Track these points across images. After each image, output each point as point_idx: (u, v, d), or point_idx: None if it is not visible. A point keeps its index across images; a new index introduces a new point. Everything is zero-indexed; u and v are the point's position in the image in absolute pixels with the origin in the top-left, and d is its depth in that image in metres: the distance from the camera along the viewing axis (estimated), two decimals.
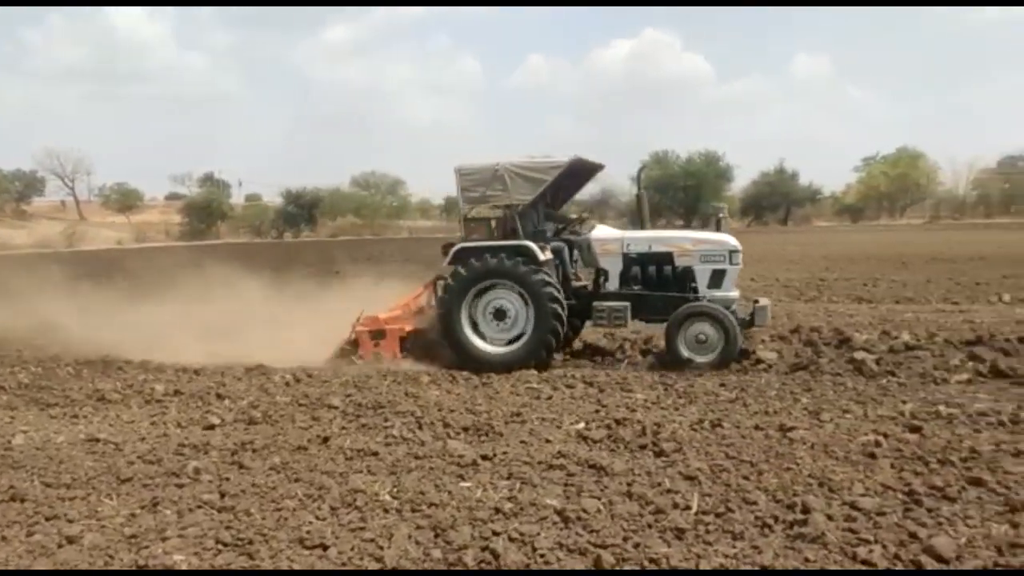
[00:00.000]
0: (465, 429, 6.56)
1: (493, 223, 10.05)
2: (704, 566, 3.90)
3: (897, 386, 7.84)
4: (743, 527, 4.35)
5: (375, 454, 5.91)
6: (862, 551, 3.98)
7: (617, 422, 6.56)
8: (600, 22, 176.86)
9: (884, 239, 42.37)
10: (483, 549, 4.17)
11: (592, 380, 8.34)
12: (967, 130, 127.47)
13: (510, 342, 9.42)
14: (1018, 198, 79.17)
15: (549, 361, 9.45)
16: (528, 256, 9.28)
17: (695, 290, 9.47)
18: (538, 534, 4.33)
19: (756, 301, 9.80)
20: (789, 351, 9.68)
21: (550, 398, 7.63)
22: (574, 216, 11.08)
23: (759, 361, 9.16)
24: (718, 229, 9.92)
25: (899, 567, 3.86)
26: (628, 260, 9.73)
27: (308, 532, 4.45)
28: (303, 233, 77.33)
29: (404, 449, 6.04)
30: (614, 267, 9.76)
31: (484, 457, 5.73)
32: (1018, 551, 3.99)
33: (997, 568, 3.83)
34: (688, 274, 9.56)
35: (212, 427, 6.89)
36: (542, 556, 4.08)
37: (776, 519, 4.45)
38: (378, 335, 9.58)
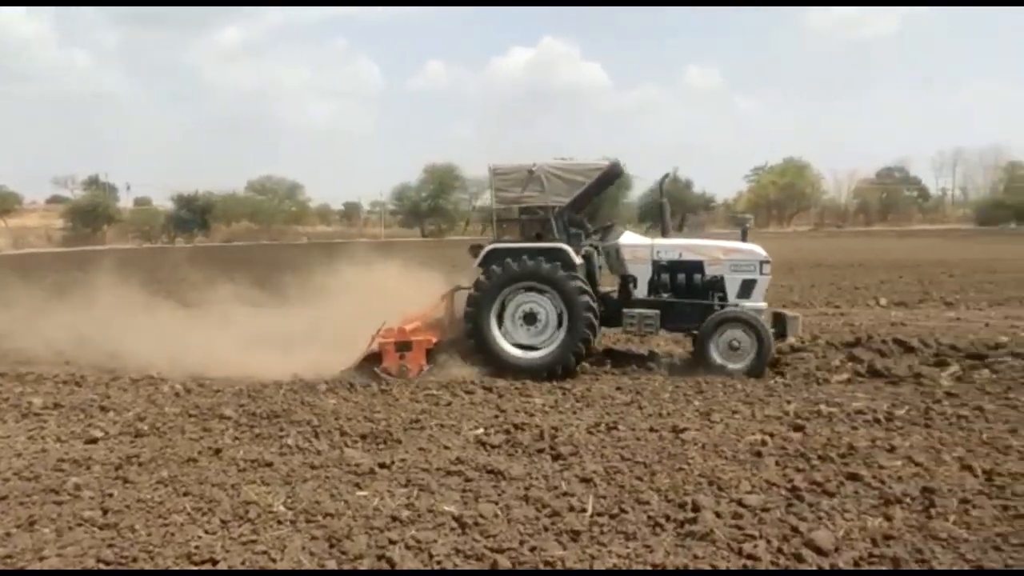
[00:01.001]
0: (363, 437, 6.48)
1: (519, 225, 9.91)
2: (598, 567, 3.97)
3: (783, 387, 8.19)
4: (636, 527, 4.45)
5: (269, 464, 5.77)
6: (747, 546, 4.14)
7: (516, 427, 6.61)
8: (499, 30, 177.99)
9: (773, 246, 43.87)
10: (379, 558, 4.13)
11: (492, 386, 8.38)
12: (848, 142, 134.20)
13: (539, 347, 9.16)
14: (894, 207, 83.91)
15: (575, 367, 9.16)
16: (563, 260, 9.09)
17: (724, 299, 9.36)
18: (435, 541, 4.32)
19: (784, 313, 9.65)
20: (683, 353, 9.96)
21: (449, 404, 7.62)
22: (606, 222, 11.00)
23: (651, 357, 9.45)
24: (744, 239, 9.85)
25: (781, 561, 4.02)
26: (657, 267, 9.56)
27: (196, 547, 4.30)
28: (196, 238, 74.82)
29: (300, 459, 5.92)
30: (643, 274, 9.58)
31: (382, 465, 5.67)
32: (891, 542, 4.22)
33: (873, 557, 4.05)
34: (718, 283, 9.44)
35: (95, 441, 6.58)
36: (439, 563, 4.07)
37: (668, 518, 4.58)
38: (404, 347, 9.08)
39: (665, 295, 9.49)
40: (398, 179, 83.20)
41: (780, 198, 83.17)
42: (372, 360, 9.10)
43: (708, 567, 3.93)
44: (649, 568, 3.96)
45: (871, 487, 5.04)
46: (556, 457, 5.81)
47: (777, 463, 5.58)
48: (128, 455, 6.10)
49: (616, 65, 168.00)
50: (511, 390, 8.16)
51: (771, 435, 6.24)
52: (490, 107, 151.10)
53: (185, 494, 5.20)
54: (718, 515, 4.57)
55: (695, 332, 9.23)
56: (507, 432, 6.48)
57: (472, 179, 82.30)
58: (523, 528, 4.49)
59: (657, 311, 9.29)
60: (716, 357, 8.86)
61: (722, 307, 9.21)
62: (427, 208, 78.63)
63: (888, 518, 4.55)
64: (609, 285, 10.30)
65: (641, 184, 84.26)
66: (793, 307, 15.27)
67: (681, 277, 9.52)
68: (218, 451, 6.14)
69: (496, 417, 7.06)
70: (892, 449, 5.83)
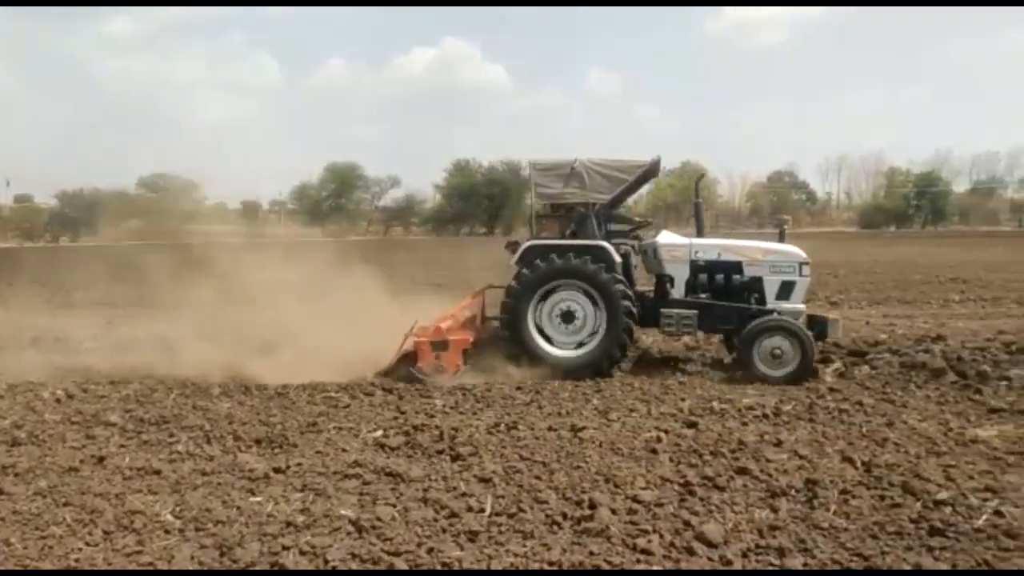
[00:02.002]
0: (257, 441, 6.32)
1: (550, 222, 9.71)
2: (495, 566, 3.98)
3: (678, 384, 8.40)
4: (534, 526, 4.49)
5: (157, 472, 5.55)
6: (641, 541, 4.23)
7: (415, 428, 6.56)
8: (400, 29, 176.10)
9: None
10: (271, 564, 4.04)
11: (392, 387, 8.29)
12: (739, 147, 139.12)
13: (574, 346, 9.05)
14: (785, 209, 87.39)
15: (610, 369, 9.03)
16: (605, 258, 8.99)
17: (762, 301, 9.23)
18: (330, 545, 4.25)
19: (824, 316, 9.45)
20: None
21: (348, 406, 7.51)
22: (638, 220, 10.84)
23: None
24: (781, 240, 9.76)
25: (673, 554, 4.12)
26: (695, 267, 9.41)
27: (77, 560, 4.12)
28: (82, 237, 71.44)
29: (190, 465, 5.72)
30: (680, 274, 9.41)
31: (277, 470, 5.54)
32: (776, 533, 4.39)
33: (759, 548, 4.19)
34: (756, 284, 9.30)
35: None
36: (333, 567, 4.00)
37: (565, 516, 4.63)
38: (440, 346, 8.82)
39: (703, 295, 9.39)
40: (298, 178, 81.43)
41: (678, 201, 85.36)
42: (407, 360, 8.88)
43: (603, 563, 3.99)
44: (546, 566, 4.00)
45: (759, 480, 5.22)
46: (455, 458, 5.80)
47: (671, 459, 5.72)
48: (3, 465, 5.76)
49: (518, 67, 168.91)
50: (411, 391, 8.10)
51: (666, 432, 6.39)
52: (392, 106, 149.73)
53: (65, 504, 4.95)
54: (614, 512, 4.65)
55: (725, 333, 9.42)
56: (407, 434, 6.43)
57: (374, 178, 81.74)
58: (421, 530, 4.46)
59: (695, 311, 9.17)
60: (760, 365, 8.68)
61: (760, 309, 9.13)
62: (328, 208, 77.42)
63: (774, 510, 4.73)
64: (643, 284, 10.26)
65: None
66: None
67: (719, 278, 9.41)
68: (102, 459, 5.87)
69: (396, 419, 7.00)
70: (779, 443, 6.06)
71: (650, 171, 9.61)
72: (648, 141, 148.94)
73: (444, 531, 4.46)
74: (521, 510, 4.72)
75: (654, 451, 5.88)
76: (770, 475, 5.30)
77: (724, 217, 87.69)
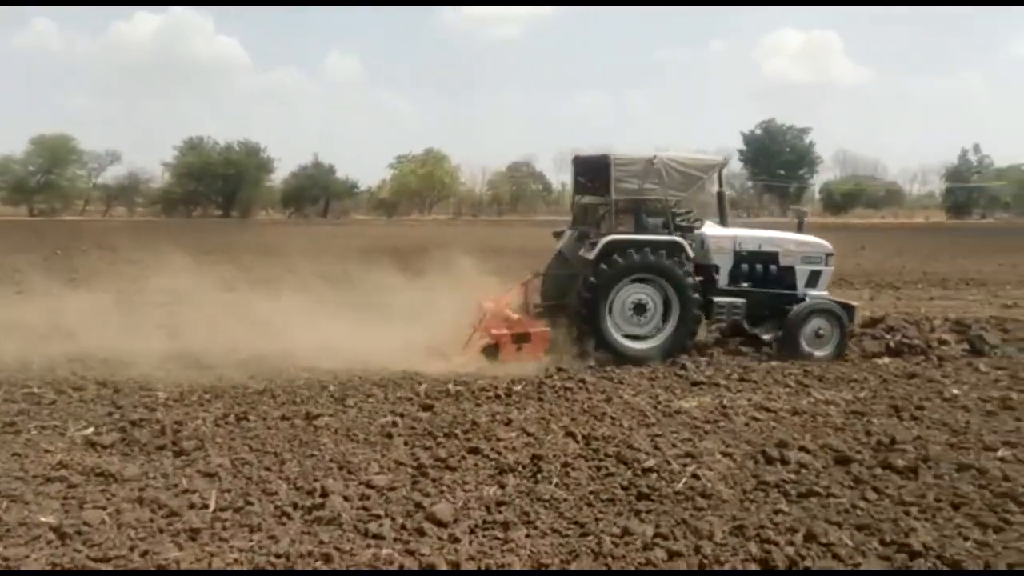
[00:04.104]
0: None
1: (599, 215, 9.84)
2: (217, 564, 3.80)
3: (416, 369, 8.43)
4: (261, 519, 4.34)
5: None
6: (373, 526, 4.24)
7: (133, 424, 6.09)
8: None
9: (412, 232, 45.60)
10: None
11: (107, 380, 7.59)
12: (480, 136, 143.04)
13: (643, 337, 9.22)
14: (524, 199, 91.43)
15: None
16: (680, 254, 9.19)
17: (793, 288, 9.79)
18: (27, 556, 3.85)
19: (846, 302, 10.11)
20: None
21: (54, 403, 6.78)
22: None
23: None
24: (800, 231, 10.31)
25: (404, 536, 4.17)
26: (738, 258, 9.80)
27: None
28: None
29: None
30: (725, 264, 9.76)
31: None
32: (503, 508, 4.59)
33: (486, 523, 4.35)
34: (789, 273, 9.85)
35: None
36: None
37: (296, 506, 4.53)
38: (521, 339, 8.87)
39: (744, 284, 9.81)
40: None
41: (421, 187, 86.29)
42: (489, 353, 8.82)
43: (333, 551, 3.94)
44: (273, 559, 3.88)
45: (489, 459, 5.43)
46: (179, 453, 5.46)
47: (406, 443, 5.78)
48: None
49: (254, 42, 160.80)
50: (130, 384, 7.48)
51: (402, 416, 6.45)
52: (114, 76, 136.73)
53: None
54: (346, 498, 4.62)
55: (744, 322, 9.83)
56: (122, 430, 5.95)
57: (91, 153, 74.36)
58: (135, 532, 4.16)
59: (744, 299, 9.62)
60: (804, 345, 9.33)
61: (791, 296, 9.73)
62: (36, 184, 69.37)
63: (502, 486, 4.94)
64: None
65: (283, 168, 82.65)
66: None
67: (759, 267, 9.87)
68: None
69: (110, 414, 6.45)
70: (509, 422, 6.33)
71: (720, 169, 10.13)
72: (392, 127, 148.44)
73: (161, 531, 4.18)
74: (249, 503, 4.55)
75: (389, 436, 5.91)
76: (499, 453, 5.52)
77: (466, 204, 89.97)
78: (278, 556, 3.90)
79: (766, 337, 9.88)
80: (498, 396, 7.25)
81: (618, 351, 9.11)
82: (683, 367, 8.58)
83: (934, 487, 5.03)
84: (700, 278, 9.43)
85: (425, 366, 8.29)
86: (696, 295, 9.29)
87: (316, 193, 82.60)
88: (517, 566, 3.88)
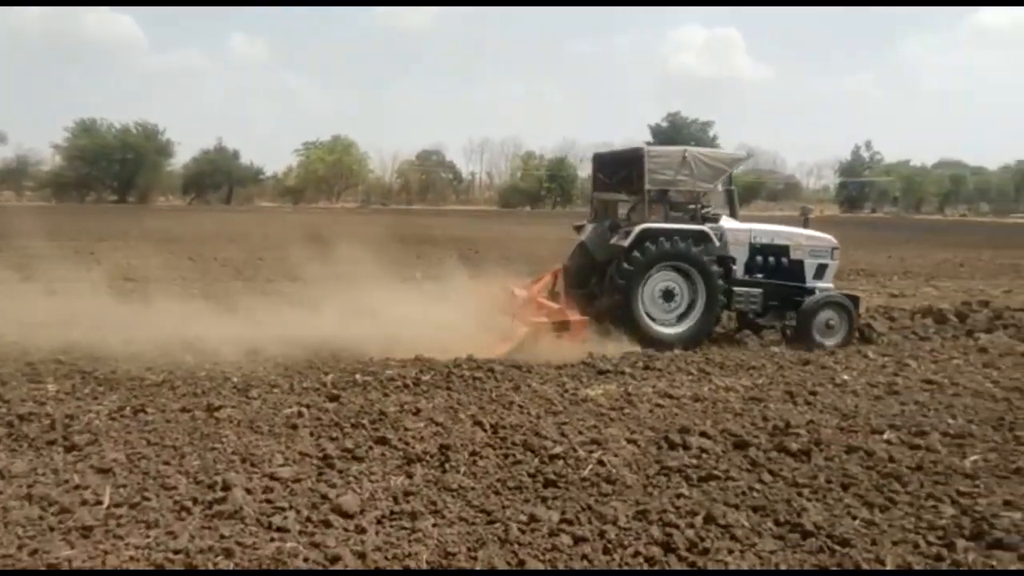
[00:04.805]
0: None
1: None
2: (112, 562, 3.66)
3: (322, 359, 8.29)
4: (159, 514, 4.21)
5: None
6: (277, 519, 4.16)
7: (21, 418, 5.80)
8: None
9: (320, 220, 44.81)
10: None
11: None
12: (390, 124, 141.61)
13: (670, 323, 9.68)
14: (433, 187, 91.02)
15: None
16: (708, 243, 9.67)
17: (801, 280, 10.34)
18: None
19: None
20: None
21: None
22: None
23: None
24: (805, 226, 10.86)
25: (309, 528, 4.11)
26: (753, 250, 10.32)
27: None
28: None
29: None
30: (741, 256, 10.25)
31: None
32: (410, 498, 4.56)
33: (394, 514, 4.33)
34: (799, 266, 10.40)
35: None
36: None
37: (196, 501, 4.41)
38: (562, 327, 9.12)
39: (758, 276, 10.28)
40: None
41: (329, 174, 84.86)
42: (531, 342, 8.87)
43: (235, 546, 3.85)
44: (171, 555, 3.76)
45: (396, 449, 5.39)
46: (70, 448, 5.23)
47: (312, 433, 5.69)
48: None
49: (151, 21, 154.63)
50: (17, 376, 7.12)
51: (308, 406, 6.33)
52: None
53: None
54: (249, 491, 4.52)
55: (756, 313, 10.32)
56: (9, 425, 5.66)
57: None
58: (23, 531, 3.97)
59: (760, 290, 10.08)
60: (816, 335, 9.83)
61: (801, 288, 10.26)
62: None
63: (409, 476, 4.92)
64: None
65: (184, 152, 79.97)
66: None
67: (771, 260, 10.40)
68: None
69: None
70: (417, 412, 6.29)
71: (741, 163, 10.57)
72: (299, 113, 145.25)
73: (52, 529, 4.00)
74: (146, 499, 4.39)
75: (294, 427, 5.80)
76: (407, 443, 5.49)
77: (374, 193, 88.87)
78: (176, 552, 3.78)
79: (773, 324, 10.52)
80: (406, 386, 7.20)
81: (650, 336, 9.54)
82: (590, 355, 8.71)
83: (825, 469, 5.26)
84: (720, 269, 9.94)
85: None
86: (721, 282, 9.81)
87: (219, 179, 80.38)
88: (424, 556, 3.87)
